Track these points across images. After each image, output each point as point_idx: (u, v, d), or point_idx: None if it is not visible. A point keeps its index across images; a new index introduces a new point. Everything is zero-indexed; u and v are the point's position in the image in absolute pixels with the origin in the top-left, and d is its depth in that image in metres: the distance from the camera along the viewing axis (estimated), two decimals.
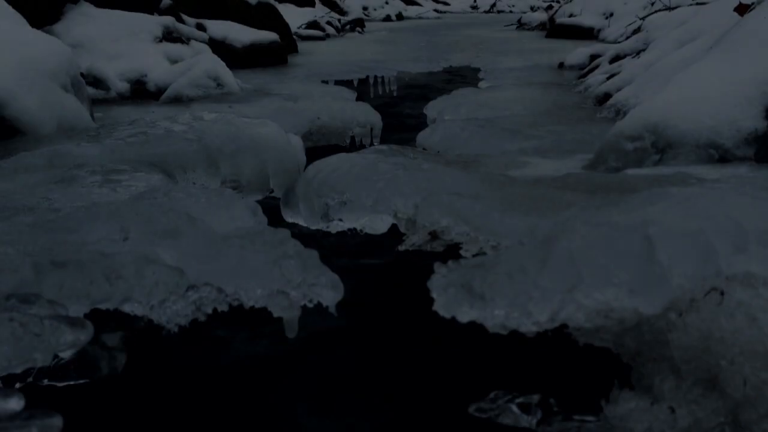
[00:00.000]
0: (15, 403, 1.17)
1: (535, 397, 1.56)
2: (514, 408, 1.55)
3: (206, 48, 7.09)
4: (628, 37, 7.87)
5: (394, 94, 7.45)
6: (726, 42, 2.89)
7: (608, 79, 5.53)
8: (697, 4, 6.41)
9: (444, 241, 2.02)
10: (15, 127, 3.19)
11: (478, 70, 8.75)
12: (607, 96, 4.98)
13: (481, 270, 1.45)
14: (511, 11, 30.85)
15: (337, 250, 2.58)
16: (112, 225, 1.82)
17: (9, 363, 1.27)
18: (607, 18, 12.56)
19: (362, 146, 4.46)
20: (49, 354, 1.32)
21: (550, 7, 17.29)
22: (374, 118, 4.63)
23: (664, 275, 1.35)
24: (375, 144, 4.51)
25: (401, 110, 6.35)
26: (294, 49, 10.28)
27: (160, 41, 6.50)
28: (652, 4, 9.64)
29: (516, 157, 3.17)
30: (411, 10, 26.24)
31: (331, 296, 1.68)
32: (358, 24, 16.63)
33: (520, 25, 17.54)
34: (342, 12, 17.86)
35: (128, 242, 1.76)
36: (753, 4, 3.55)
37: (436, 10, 28.00)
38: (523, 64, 8.63)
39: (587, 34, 12.40)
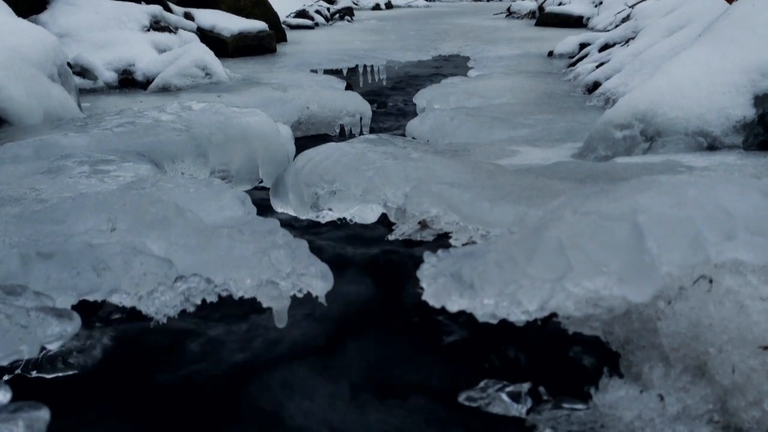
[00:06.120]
0: (1, 396, 1.16)
1: (525, 386, 1.57)
2: (504, 397, 1.55)
3: (194, 37, 7.05)
4: (617, 26, 7.89)
5: (384, 83, 7.43)
6: (714, 30, 2.89)
7: (597, 67, 5.54)
8: None
9: (434, 231, 2.02)
10: (1, 117, 3.16)
11: (467, 58, 8.75)
12: (597, 84, 4.99)
13: (471, 259, 1.45)
14: (500, 0, 30.82)
15: (326, 239, 2.58)
16: (99, 216, 1.80)
17: None
18: (596, 6, 12.58)
19: (351, 135, 4.45)
20: (36, 346, 1.31)
21: None
22: (363, 107, 4.63)
23: (653, 263, 1.35)
24: (364, 133, 4.51)
25: (391, 99, 6.34)
26: (283, 38, 10.24)
27: (148, 30, 6.46)
28: None
29: (505, 145, 3.17)
30: None
31: (321, 286, 1.68)
32: (347, 13, 16.59)
33: (510, 13, 17.55)
34: (331, 1, 17.79)
35: (116, 233, 1.74)
36: None
37: None
38: (512, 53, 8.63)
39: (576, 22, 12.43)
